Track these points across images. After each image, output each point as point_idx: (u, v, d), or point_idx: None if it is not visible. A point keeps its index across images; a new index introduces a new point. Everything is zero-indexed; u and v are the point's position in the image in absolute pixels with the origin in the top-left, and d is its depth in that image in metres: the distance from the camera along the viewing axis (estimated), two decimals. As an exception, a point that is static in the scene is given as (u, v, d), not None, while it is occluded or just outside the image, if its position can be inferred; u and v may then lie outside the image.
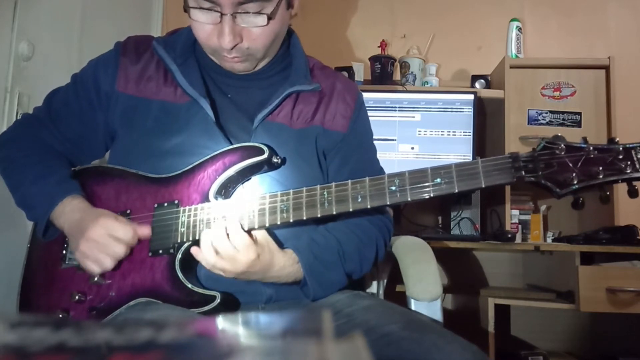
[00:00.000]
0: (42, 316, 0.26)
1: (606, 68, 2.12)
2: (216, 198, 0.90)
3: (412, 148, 2.12)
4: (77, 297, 0.89)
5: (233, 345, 0.23)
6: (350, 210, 0.85)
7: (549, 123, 2.13)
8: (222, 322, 0.24)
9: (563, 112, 2.14)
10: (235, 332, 0.24)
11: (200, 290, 0.87)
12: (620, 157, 0.77)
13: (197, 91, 0.95)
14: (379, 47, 2.37)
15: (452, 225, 2.06)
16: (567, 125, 2.12)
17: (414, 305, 1.01)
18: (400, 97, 2.17)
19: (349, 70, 2.24)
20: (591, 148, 0.78)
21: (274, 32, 0.92)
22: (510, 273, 2.24)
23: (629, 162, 0.76)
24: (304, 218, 0.86)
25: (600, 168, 0.77)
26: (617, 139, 0.78)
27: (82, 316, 0.90)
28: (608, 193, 0.80)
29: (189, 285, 0.87)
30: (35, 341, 0.23)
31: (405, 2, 2.54)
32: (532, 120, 2.15)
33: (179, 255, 0.88)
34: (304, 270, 0.90)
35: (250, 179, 0.94)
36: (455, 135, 2.11)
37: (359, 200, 0.85)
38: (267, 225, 0.87)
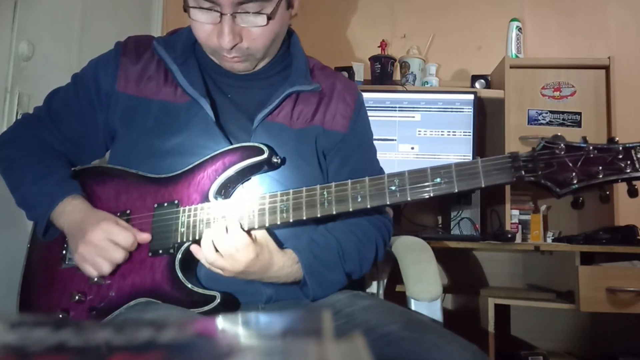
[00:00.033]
0: (42, 316, 0.26)
1: (606, 68, 2.12)
2: (216, 198, 0.90)
3: (412, 148, 2.12)
4: (77, 297, 0.89)
5: (233, 345, 0.23)
6: (350, 210, 0.85)
7: (549, 123, 2.13)
8: (222, 322, 0.24)
9: (563, 112, 2.14)
10: (235, 332, 0.24)
11: (200, 290, 0.87)
12: (620, 156, 0.77)
13: (197, 91, 0.95)
14: (379, 47, 2.37)
15: (452, 225, 2.06)
16: (567, 125, 2.12)
17: (414, 305, 1.01)
18: (400, 97, 2.17)
19: (349, 70, 2.24)
20: (591, 148, 0.78)
21: (274, 32, 0.92)
22: (510, 273, 2.24)
23: (628, 162, 0.76)
24: (304, 218, 0.86)
25: (600, 168, 0.77)
26: (617, 138, 0.78)
27: (82, 316, 0.90)
28: (608, 193, 0.80)
29: (189, 285, 0.87)
30: (35, 341, 0.23)
31: (405, 2, 2.54)
32: (532, 120, 2.15)
33: (179, 255, 0.88)
34: (303, 270, 0.90)
35: (250, 179, 0.94)
36: (455, 135, 2.11)
37: (359, 200, 0.85)
38: (266, 225, 0.87)
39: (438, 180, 0.82)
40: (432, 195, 0.82)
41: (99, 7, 1.57)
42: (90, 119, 1.02)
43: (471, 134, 2.10)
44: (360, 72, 2.34)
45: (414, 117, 2.14)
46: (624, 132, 2.07)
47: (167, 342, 0.23)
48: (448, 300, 2.23)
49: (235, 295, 0.91)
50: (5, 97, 1.21)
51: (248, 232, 0.86)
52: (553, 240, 2.09)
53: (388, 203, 0.84)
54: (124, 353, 0.22)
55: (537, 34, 2.45)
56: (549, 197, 1.99)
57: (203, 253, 0.84)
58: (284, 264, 0.89)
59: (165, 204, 0.92)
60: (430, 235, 1.90)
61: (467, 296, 2.14)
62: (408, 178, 0.84)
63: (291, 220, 0.87)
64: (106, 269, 0.87)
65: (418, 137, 2.12)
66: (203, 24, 0.89)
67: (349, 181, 0.86)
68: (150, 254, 0.90)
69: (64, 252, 0.95)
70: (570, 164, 0.78)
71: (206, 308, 0.85)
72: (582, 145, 0.79)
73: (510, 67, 2.15)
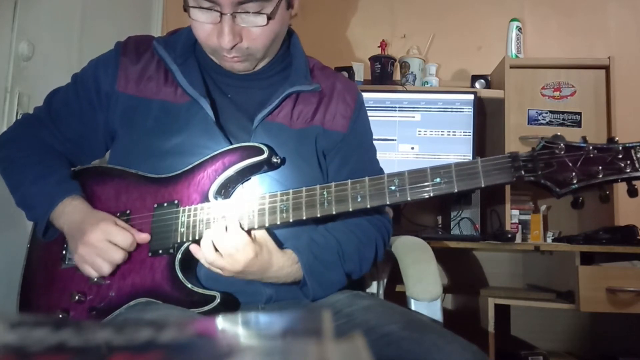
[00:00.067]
0: (42, 316, 0.26)
1: (606, 68, 2.12)
2: (216, 198, 0.90)
3: (412, 148, 2.12)
4: (77, 297, 0.89)
5: (233, 345, 0.23)
6: (350, 210, 0.85)
7: (549, 123, 2.13)
8: (222, 322, 0.24)
9: (563, 112, 2.14)
10: (235, 332, 0.24)
11: (200, 290, 0.87)
12: (620, 156, 0.77)
13: (197, 91, 0.95)
14: (379, 47, 2.37)
15: (452, 225, 2.06)
16: (567, 125, 2.12)
17: (414, 305, 1.01)
18: (400, 97, 2.17)
19: (349, 70, 2.24)
20: (591, 147, 0.78)
21: (274, 32, 0.92)
22: (510, 273, 2.24)
23: (628, 162, 0.76)
24: (304, 218, 0.86)
25: (600, 167, 0.77)
26: (617, 138, 0.78)
27: (82, 316, 0.90)
28: (608, 192, 0.80)
29: (189, 285, 0.87)
30: (35, 341, 0.23)
31: (405, 2, 2.54)
32: (532, 120, 2.15)
33: (179, 255, 0.88)
34: (303, 270, 0.90)
35: (250, 179, 0.94)
36: (455, 135, 2.11)
37: (359, 200, 0.85)
38: (266, 225, 0.87)
39: (438, 180, 0.82)
40: (432, 195, 0.82)
41: (99, 7, 1.57)
42: (90, 119, 1.02)
43: (471, 134, 2.10)
44: (360, 72, 2.34)
45: (414, 117, 2.14)
46: (624, 132, 2.07)
47: (167, 342, 0.23)
48: (448, 300, 2.23)
49: (235, 295, 0.91)
50: (5, 97, 1.21)
51: (248, 232, 0.86)
52: (553, 240, 2.09)
53: (388, 203, 0.84)
54: (124, 353, 0.22)
55: (537, 34, 2.45)
56: (549, 197, 1.99)
57: (202, 252, 0.84)
58: (284, 264, 0.89)
59: (165, 204, 0.92)
60: (430, 235, 1.89)
61: (467, 296, 2.14)
62: (408, 178, 0.84)
63: (291, 220, 0.87)
64: (106, 269, 0.87)
65: (418, 137, 2.12)
66: (203, 24, 0.89)
67: (349, 181, 0.86)
68: (150, 254, 0.90)
69: (63, 252, 0.95)
70: (570, 164, 0.78)
71: (206, 308, 0.85)
72: (582, 145, 0.79)
73: (510, 67, 2.15)
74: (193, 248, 0.86)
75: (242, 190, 0.94)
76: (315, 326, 0.23)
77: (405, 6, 2.53)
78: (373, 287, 1.21)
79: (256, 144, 0.92)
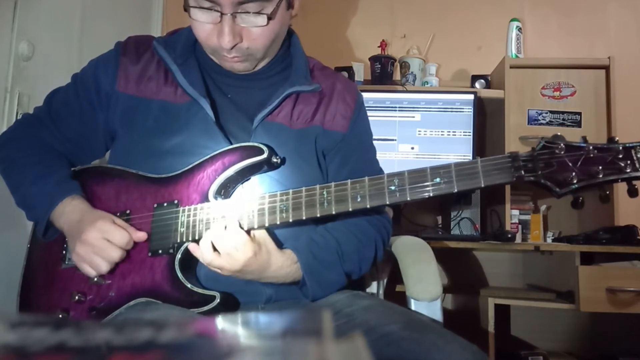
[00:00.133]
0: (42, 316, 0.26)
1: (606, 68, 2.12)
2: (216, 198, 0.90)
3: (412, 148, 2.12)
4: (77, 297, 0.89)
5: (233, 345, 0.23)
6: (350, 210, 0.85)
7: (549, 123, 2.13)
8: (222, 322, 0.24)
9: (563, 112, 2.14)
10: (235, 332, 0.24)
11: (200, 290, 0.87)
12: (620, 156, 0.77)
13: (197, 91, 0.95)
14: (379, 47, 2.37)
15: (452, 225, 2.06)
16: (567, 125, 2.12)
17: (414, 305, 1.01)
18: (400, 97, 2.17)
19: (349, 70, 2.24)
20: (591, 147, 0.78)
21: (274, 32, 0.92)
22: (510, 273, 2.24)
23: (628, 162, 0.76)
24: (303, 218, 0.86)
25: (600, 167, 0.77)
26: (617, 138, 0.78)
27: (82, 316, 0.90)
28: (608, 192, 0.80)
29: (189, 285, 0.87)
30: (35, 341, 0.23)
31: (405, 2, 2.54)
32: (532, 120, 2.15)
33: (179, 255, 0.88)
34: (302, 270, 0.90)
35: (249, 179, 0.94)
36: (455, 135, 2.11)
37: (359, 200, 0.85)
38: (266, 225, 0.87)
39: (438, 180, 0.82)
40: (431, 195, 0.82)
41: (99, 7, 1.57)
42: (90, 119, 1.02)
43: (471, 134, 2.10)
44: (360, 72, 2.34)
45: (414, 117, 2.14)
46: (624, 132, 2.07)
47: (167, 342, 0.23)
48: (448, 300, 2.23)
49: (235, 295, 0.91)
50: (5, 97, 1.21)
51: (247, 232, 0.86)
52: (553, 240, 2.09)
53: (388, 203, 0.84)
54: (124, 353, 0.22)
55: (537, 34, 2.45)
56: (549, 197, 1.99)
57: (201, 251, 0.84)
58: (283, 264, 0.89)
59: (165, 204, 0.92)
60: (430, 235, 1.89)
61: (467, 296, 2.14)
62: (408, 178, 0.84)
63: (290, 220, 0.86)
64: (104, 268, 0.87)
65: (418, 137, 2.12)
66: (203, 24, 0.89)
67: (349, 181, 0.86)
68: (150, 254, 0.90)
69: (63, 252, 0.95)
70: (570, 164, 0.78)
71: (206, 308, 0.85)
72: (582, 145, 0.79)
73: (510, 67, 2.15)
74: (192, 247, 0.86)
75: (242, 190, 0.94)
76: (315, 326, 0.23)
77: (405, 6, 2.53)
78: (373, 287, 1.21)
79: (256, 144, 0.92)
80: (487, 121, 2.34)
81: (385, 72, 2.29)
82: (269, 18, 0.88)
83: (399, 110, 2.15)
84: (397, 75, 2.38)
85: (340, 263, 0.94)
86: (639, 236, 1.78)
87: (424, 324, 0.81)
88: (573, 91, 2.14)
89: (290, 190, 0.88)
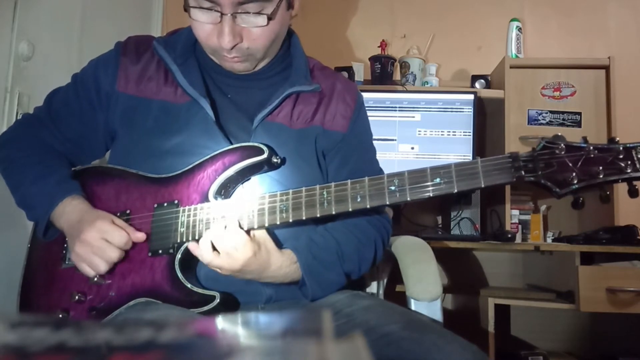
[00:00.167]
0: (42, 316, 0.26)
1: (606, 68, 2.12)
2: (216, 198, 0.90)
3: (412, 148, 2.12)
4: (77, 297, 0.89)
5: (233, 345, 0.23)
6: (350, 210, 0.85)
7: (549, 123, 2.13)
8: (222, 322, 0.24)
9: (563, 112, 2.14)
10: (235, 332, 0.24)
11: (200, 290, 0.86)
12: (621, 156, 0.77)
13: (197, 91, 0.95)
14: (379, 47, 2.37)
15: (452, 225, 2.07)
16: (567, 125, 2.12)
17: (414, 305, 1.01)
18: (400, 97, 2.17)
19: (349, 70, 2.24)
20: (591, 148, 0.78)
21: (274, 33, 0.92)
22: (510, 273, 2.24)
23: (629, 162, 0.76)
24: (303, 218, 0.86)
25: (601, 168, 0.77)
26: (618, 138, 0.78)
27: (82, 316, 0.90)
28: (608, 193, 0.80)
29: (189, 285, 0.87)
30: (35, 341, 0.23)
31: (405, 2, 2.54)
32: (532, 120, 2.15)
33: (179, 255, 0.88)
34: (302, 271, 0.90)
35: (249, 179, 0.94)
36: (455, 135, 2.11)
37: (359, 200, 0.85)
38: (266, 225, 0.87)
39: (438, 180, 0.82)
40: (431, 195, 0.82)
41: (99, 7, 1.57)
42: (90, 119, 1.02)
43: (471, 134, 2.10)
44: (360, 72, 2.34)
45: (414, 117, 2.14)
46: (624, 132, 2.07)
47: (167, 342, 0.23)
48: (448, 300, 2.23)
49: (235, 295, 0.91)
50: (5, 97, 1.21)
51: (247, 232, 0.86)
52: (553, 240, 2.09)
53: (388, 203, 0.84)
54: (124, 353, 0.22)
55: (537, 34, 2.45)
56: (549, 197, 1.99)
57: (200, 251, 0.84)
58: (282, 264, 0.89)
59: (165, 204, 0.92)
60: (430, 235, 1.90)
61: (467, 296, 2.14)
62: (408, 178, 0.83)
63: (290, 220, 0.86)
64: (103, 267, 0.87)
65: (418, 137, 2.12)
66: (203, 24, 0.89)
67: (349, 181, 0.86)
68: (150, 254, 0.90)
69: (64, 252, 0.95)
70: (571, 164, 0.78)
71: (206, 308, 0.85)
72: (583, 145, 0.79)
73: (510, 67, 2.15)
74: (191, 246, 0.86)
75: (242, 190, 0.94)
76: (315, 326, 0.23)
77: (405, 6, 2.53)
78: (373, 287, 1.21)
79: (256, 144, 0.92)
80: (487, 121, 2.34)
81: (385, 72, 2.29)
82: (269, 18, 0.88)
83: (399, 110, 2.15)
84: (397, 75, 2.38)
85: (339, 263, 0.94)
86: (639, 236, 1.78)
87: (424, 324, 0.81)
88: (573, 91, 2.14)
89: (290, 191, 0.88)
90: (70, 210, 0.91)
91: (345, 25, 2.55)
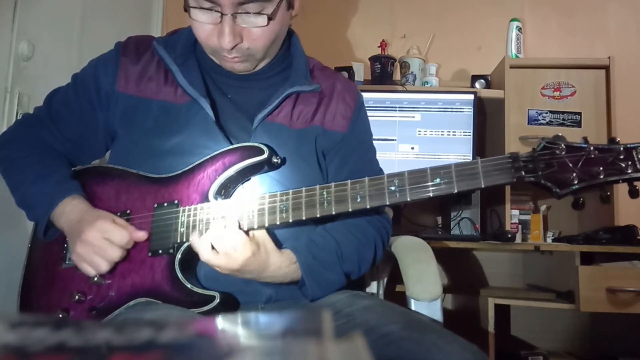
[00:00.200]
0: (42, 316, 0.26)
1: (606, 68, 2.12)
2: (216, 198, 0.90)
3: (412, 148, 2.12)
4: (77, 297, 0.89)
5: (233, 345, 0.23)
6: (350, 210, 0.85)
7: (549, 123, 2.13)
8: (222, 322, 0.24)
9: (563, 112, 2.14)
10: (235, 332, 0.24)
11: (200, 290, 0.86)
12: (621, 157, 0.77)
13: (197, 91, 0.95)
14: (379, 47, 2.37)
15: (452, 225, 2.07)
16: (567, 125, 2.12)
17: (414, 305, 1.01)
18: (400, 97, 2.17)
19: (349, 70, 2.24)
20: (592, 148, 0.78)
21: (274, 33, 0.92)
22: (510, 273, 2.24)
23: (629, 162, 0.76)
24: (303, 218, 0.86)
25: (601, 168, 0.77)
26: (618, 139, 0.78)
27: (82, 316, 0.90)
28: (608, 193, 0.80)
29: (189, 285, 0.86)
30: (35, 341, 0.23)
31: (405, 2, 2.54)
32: (532, 120, 2.15)
33: (179, 256, 0.88)
34: (302, 271, 0.90)
35: (250, 179, 0.94)
36: (455, 135, 2.11)
37: (359, 200, 0.85)
38: (266, 225, 0.87)
39: (438, 180, 0.82)
40: (431, 195, 0.82)
41: (99, 7, 1.57)
42: (90, 119, 1.02)
43: (471, 134, 2.10)
44: (360, 72, 2.34)
45: (414, 117, 2.14)
46: (624, 132, 2.07)
47: (167, 342, 0.23)
48: (448, 300, 2.23)
49: (234, 295, 0.91)
50: (5, 97, 1.21)
51: (247, 232, 0.86)
52: (553, 240, 2.09)
53: (388, 203, 0.84)
54: (124, 353, 0.22)
55: (537, 34, 2.45)
56: (549, 197, 1.98)
57: (200, 250, 0.84)
58: (281, 264, 0.88)
59: (165, 204, 0.92)
60: (430, 235, 1.90)
61: (467, 296, 2.14)
62: (408, 178, 0.83)
63: (290, 221, 0.86)
64: (104, 267, 0.87)
65: (418, 137, 2.12)
66: (203, 24, 0.89)
67: (349, 181, 0.86)
68: (150, 254, 0.90)
69: (64, 252, 0.95)
70: (571, 165, 0.78)
71: (206, 308, 0.85)
72: (583, 145, 0.79)
73: (510, 67, 2.15)
74: (194, 238, 0.86)
75: (242, 190, 0.94)
76: (315, 326, 0.23)
77: (405, 6, 2.53)
78: (373, 287, 1.21)
79: (256, 144, 0.92)
80: (487, 121, 2.34)
81: (385, 72, 2.29)
82: (269, 18, 0.88)
83: (399, 110, 2.15)
84: (397, 75, 2.38)
85: (339, 263, 0.94)
86: (639, 236, 1.78)
87: (424, 324, 0.81)
88: (573, 91, 2.14)
89: (290, 191, 0.88)
90: (70, 210, 0.91)
91: (345, 25, 2.55)
